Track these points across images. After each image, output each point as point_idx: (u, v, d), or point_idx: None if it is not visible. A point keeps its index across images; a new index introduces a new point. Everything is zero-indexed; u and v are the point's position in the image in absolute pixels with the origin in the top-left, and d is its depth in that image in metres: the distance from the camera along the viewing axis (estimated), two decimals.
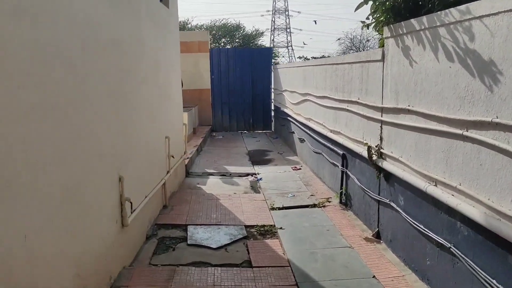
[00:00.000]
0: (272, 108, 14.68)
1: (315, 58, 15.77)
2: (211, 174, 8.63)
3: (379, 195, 4.99)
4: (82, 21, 3.28)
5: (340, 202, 6.41)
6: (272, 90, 14.52)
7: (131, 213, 4.23)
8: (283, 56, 55.03)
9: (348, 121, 6.16)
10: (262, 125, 14.86)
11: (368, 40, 37.61)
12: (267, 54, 14.73)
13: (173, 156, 6.56)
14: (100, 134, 3.63)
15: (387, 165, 4.65)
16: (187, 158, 8.80)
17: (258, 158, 10.23)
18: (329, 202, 6.54)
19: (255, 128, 14.85)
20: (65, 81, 2.97)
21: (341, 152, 6.38)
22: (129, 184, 4.26)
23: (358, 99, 5.69)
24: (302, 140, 9.57)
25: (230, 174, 8.63)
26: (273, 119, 14.74)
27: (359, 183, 5.64)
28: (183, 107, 12.65)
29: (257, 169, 8.98)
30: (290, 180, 7.99)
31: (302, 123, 9.35)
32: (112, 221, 3.90)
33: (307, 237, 5.18)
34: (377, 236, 5.03)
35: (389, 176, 4.69)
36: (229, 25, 33.65)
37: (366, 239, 5.03)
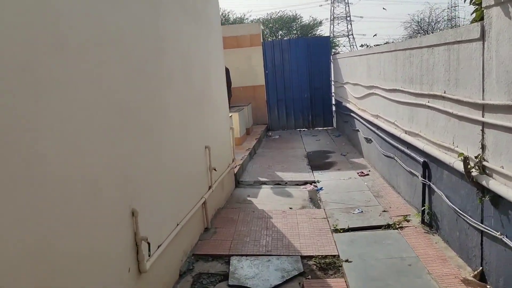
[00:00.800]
0: (333, 102, 13.36)
1: (378, 45, 14.27)
2: (264, 183, 7.61)
3: (482, 223, 3.66)
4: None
5: (422, 222, 5.10)
6: (332, 83, 13.20)
7: (150, 255, 3.32)
8: (344, 46, 52.63)
9: (429, 120, 4.83)
10: (322, 122, 13.60)
11: (438, 22, 34.57)
12: (325, 44, 13.40)
13: (215, 169, 5.61)
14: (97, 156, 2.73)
15: (495, 185, 3.32)
16: (237, 165, 7.87)
17: (318, 161, 9.05)
18: (407, 221, 5.25)
19: (315, 125, 13.62)
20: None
21: (421, 159, 5.06)
22: (147, 217, 3.35)
23: (444, 92, 4.36)
24: (368, 140, 8.25)
25: (286, 183, 7.56)
26: (334, 114, 13.43)
27: (449, 202, 4.33)
28: (234, 106, 11.80)
29: (317, 175, 7.82)
30: (356, 190, 6.76)
31: (368, 121, 8.04)
32: (122, 269, 3.00)
33: (382, 275, 3.98)
34: (481, 278, 3.71)
35: (498, 201, 3.36)
36: (286, 17, 32.47)
37: (466, 282, 3.73)
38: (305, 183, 7.49)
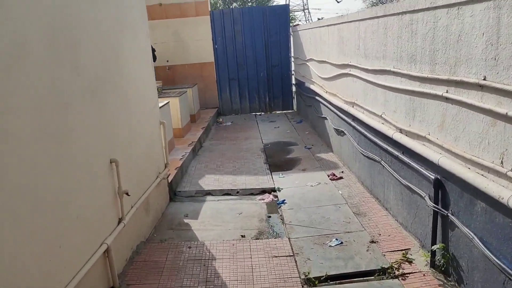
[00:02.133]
0: (293, 82, 11.65)
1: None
2: (209, 193, 5.82)
3: None
4: None
5: (432, 265, 3.53)
6: (292, 59, 11.45)
7: None
8: (300, 21, 50.81)
9: (448, 120, 3.20)
10: (281, 105, 11.87)
11: None
12: (283, 13, 11.52)
13: (127, 193, 3.73)
14: None
15: None
16: (175, 168, 6.00)
17: (278, 157, 7.35)
18: (409, 262, 3.67)
19: (273, 109, 11.89)
20: None
21: (431, 175, 3.44)
22: None
23: (484, 78, 2.70)
24: (340, 133, 6.62)
25: (238, 192, 5.81)
26: (294, 96, 11.74)
27: (486, 250, 2.75)
28: (175, 88, 9.80)
29: (277, 179, 6.13)
30: (329, 202, 5.13)
31: (339, 108, 6.39)
32: None
33: None
34: None
35: None
36: None
37: None
38: (263, 191, 5.78)
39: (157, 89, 8.37)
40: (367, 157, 5.23)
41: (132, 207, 4.00)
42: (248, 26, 11.32)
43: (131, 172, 4.03)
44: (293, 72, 11.57)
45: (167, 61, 11.43)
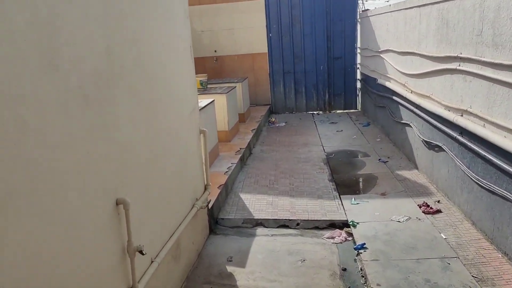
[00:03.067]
0: (358, 77, 10.03)
1: None
2: (261, 222, 4.48)
3: None
4: None
5: None
6: (358, 51, 9.82)
7: None
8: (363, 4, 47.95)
9: None
10: (342, 103, 10.29)
11: None
12: None
13: (142, 252, 2.44)
14: None
15: None
16: (210, 199, 4.70)
17: (346, 173, 5.88)
18: None
19: (333, 107, 10.32)
20: None
21: None
22: None
23: None
24: (434, 147, 5.03)
25: (298, 224, 4.42)
26: (359, 93, 10.12)
27: None
28: (223, 82, 8.52)
29: (349, 206, 4.68)
30: (431, 254, 3.61)
31: (435, 116, 4.80)
32: None
33: None
34: None
35: None
36: None
37: None
38: (331, 225, 4.36)
39: (202, 84, 7.14)
40: (489, 190, 3.66)
41: (152, 262, 2.73)
42: (308, 12, 9.81)
43: (151, 211, 2.76)
44: (358, 66, 9.94)
45: (215, 51, 10.19)
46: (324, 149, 7.06)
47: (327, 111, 10.31)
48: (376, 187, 5.27)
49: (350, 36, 9.86)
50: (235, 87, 7.66)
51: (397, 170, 5.78)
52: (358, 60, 9.90)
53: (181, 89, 3.57)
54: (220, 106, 6.75)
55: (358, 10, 9.81)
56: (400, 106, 6.48)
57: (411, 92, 5.85)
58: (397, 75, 6.59)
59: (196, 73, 9.57)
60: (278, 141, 7.76)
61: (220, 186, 4.92)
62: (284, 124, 9.12)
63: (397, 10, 6.54)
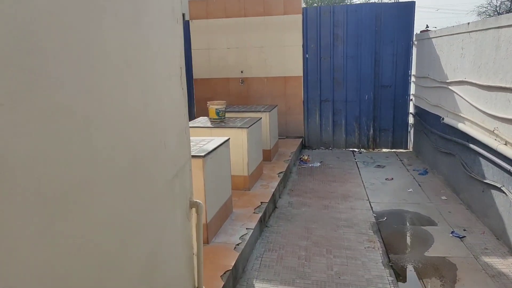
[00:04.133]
0: (411, 110, 8.31)
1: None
2: None
3: None
4: None
5: None
6: (413, 79, 8.14)
7: None
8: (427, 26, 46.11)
9: None
10: (390, 140, 8.56)
11: None
12: (407, 13, 8.19)
13: None
14: None
15: None
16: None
17: (407, 254, 4.16)
18: None
19: (378, 145, 8.61)
20: None
21: None
22: None
23: None
24: None
25: None
26: (411, 129, 8.38)
27: None
28: (247, 111, 6.99)
29: None
30: None
31: None
32: None
33: None
34: None
35: None
36: None
37: None
38: None
39: (218, 113, 5.64)
40: None
41: None
42: (353, 30, 8.25)
43: None
44: (412, 97, 8.24)
45: (241, 72, 8.74)
46: (371, 207, 5.37)
47: (370, 149, 8.60)
48: (458, 284, 3.54)
49: (403, 61, 8.19)
50: (261, 118, 6.11)
51: (483, 255, 4.02)
52: (412, 90, 8.20)
53: (159, 139, 2.05)
54: (239, 144, 5.22)
55: (414, 30, 8.16)
56: (481, 159, 4.75)
57: (505, 144, 4.13)
58: (478, 116, 4.87)
59: (217, 97, 8.09)
60: (311, 189, 6.12)
61: (225, 273, 3.33)
62: (319, 164, 7.47)
63: (482, 30, 4.86)
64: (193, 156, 3.69)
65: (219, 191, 4.15)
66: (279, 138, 7.97)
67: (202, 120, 5.76)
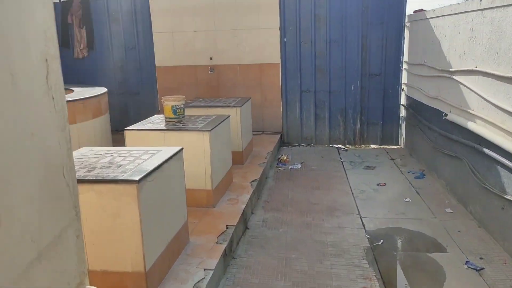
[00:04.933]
0: (403, 102, 7.37)
1: None
2: None
3: None
4: None
5: None
6: (405, 66, 7.17)
7: None
8: None
9: None
10: (379, 135, 7.61)
11: None
12: None
13: None
14: None
15: None
16: None
17: None
18: None
19: (366, 141, 7.65)
20: None
21: None
22: None
23: None
24: None
25: None
26: (402, 122, 7.44)
27: None
28: (213, 106, 5.84)
29: None
30: None
31: None
32: None
33: None
34: None
35: None
36: None
37: None
38: None
39: (174, 111, 4.54)
40: None
41: None
42: (337, 11, 7.21)
43: None
44: (403, 87, 7.28)
45: (211, 58, 7.63)
46: (363, 224, 4.41)
47: (357, 145, 7.64)
48: None
49: (394, 45, 7.20)
50: (229, 116, 5.02)
51: None
52: (404, 79, 7.24)
53: None
54: (200, 151, 4.16)
55: (406, 10, 7.15)
56: (500, 168, 3.81)
57: None
58: (495, 114, 3.92)
59: (184, 88, 6.94)
60: (290, 200, 5.12)
61: None
62: (299, 166, 6.46)
63: (501, 7, 3.86)
64: (123, 181, 2.63)
65: (165, 223, 3.10)
66: (254, 134, 6.93)
67: (155, 121, 4.66)
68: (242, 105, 5.84)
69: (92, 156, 3.20)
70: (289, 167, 6.39)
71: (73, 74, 8.08)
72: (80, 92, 5.18)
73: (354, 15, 7.15)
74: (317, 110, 7.64)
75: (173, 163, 3.23)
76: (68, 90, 5.65)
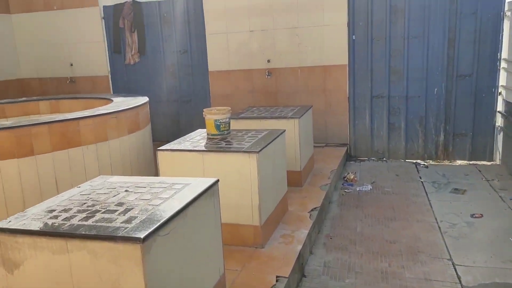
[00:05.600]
0: (500, 109, 6.04)
1: None
2: None
3: None
4: None
5: None
6: (503, 65, 5.85)
7: None
8: None
9: None
10: (468, 149, 6.31)
11: None
12: None
13: None
14: None
15: None
16: None
17: None
18: None
19: (451, 155, 6.39)
20: None
21: None
22: None
23: None
24: None
25: None
26: (499, 133, 6.11)
27: None
28: (269, 118, 4.86)
29: None
30: None
31: None
32: None
33: None
34: None
35: None
36: None
37: None
38: None
39: (217, 126, 3.68)
40: None
41: None
42: (419, 1, 6.07)
43: None
44: (500, 90, 5.96)
45: (268, 61, 6.82)
46: (458, 276, 3.33)
47: (439, 160, 6.42)
48: None
49: (490, 39, 5.91)
50: (285, 131, 4.15)
51: None
52: (502, 80, 5.92)
53: None
54: (244, 177, 3.35)
55: None
56: None
57: None
58: None
59: (238, 94, 6.21)
60: (359, 234, 4.14)
61: None
62: (370, 187, 5.43)
63: None
64: (123, 239, 1.87)
65: (188, 287, 2.31)
66: (315, 146, 6.01)
67: (196, 137, 3.92)
68: (302, 115, 4.94)
69: (103, 191, 2.51)
70: (357, 189, 5.39)
71: (124, 82, 7.70)
72: (117, 103, 4.60)
73: (440, 4, 5.97)
74: (390, 119, 6.53)
75: (204, 202, 2.44)
76: (106, 100, 5.12)
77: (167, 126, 7.66)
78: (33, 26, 7.91)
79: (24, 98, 5.99)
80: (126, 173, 4.29)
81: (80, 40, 7.73)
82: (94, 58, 7.71)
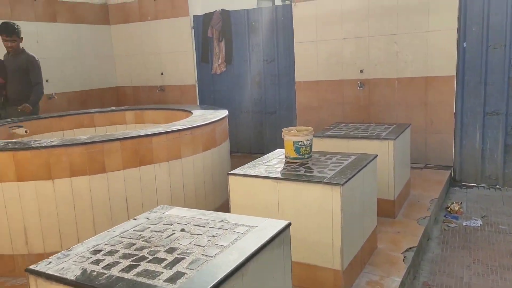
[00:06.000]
0: None
1: None
2: None
3: None
4: None
5: None
6: None
7: None
8: None
9: None
10: None
11: None
12: None
13: None
14: None
15: None
16: None
17: None
18: None
19: None
20: None
21: None
22: None
23: None
24: None
25: None
26: None
27: None
28: (358, 138, 4.21)
29: None
30: None
31: None
32: None
33: None
34: None
35: None
36: None
37: None
38: None
39: (297, 150, 3.26)
40: None
41: None
42: None
43: None
44: None
45: (361, 71, 6.19)
46: None
47: None
48: None
49: None
50: (376, 156, 3.55)
51: None
52: None
53: None
54: (324, 214, 2.85)
55: None
56: None
57: None
58: None
59: (326, 106, 5.73)
60: (465, 285, 3.37)
61: None
62: (479, 223, 4.54)
63: None
64: None
65: None
66: (412, 168, 5.25)
67: (273, 160, 3.50)
68: (398, 136, 4.27)
69: (158, 227, 2.20)
70: (464, 223, 4.53)
71: (210, 91, 7.60)
72: (194, 118, 4.38)
73: None
74: (508, 140, 5.50)
75: (270, 254, 2.00)
76: (187, 113, 4.95)
77: (250, 138, 7.38)
78: (129, 36, 8.20)
79: (112, 108, 6.11)
80: (198, 193, 4.04)
81: (171, 49, 7.81)
82: (183, 67, 7.74)
